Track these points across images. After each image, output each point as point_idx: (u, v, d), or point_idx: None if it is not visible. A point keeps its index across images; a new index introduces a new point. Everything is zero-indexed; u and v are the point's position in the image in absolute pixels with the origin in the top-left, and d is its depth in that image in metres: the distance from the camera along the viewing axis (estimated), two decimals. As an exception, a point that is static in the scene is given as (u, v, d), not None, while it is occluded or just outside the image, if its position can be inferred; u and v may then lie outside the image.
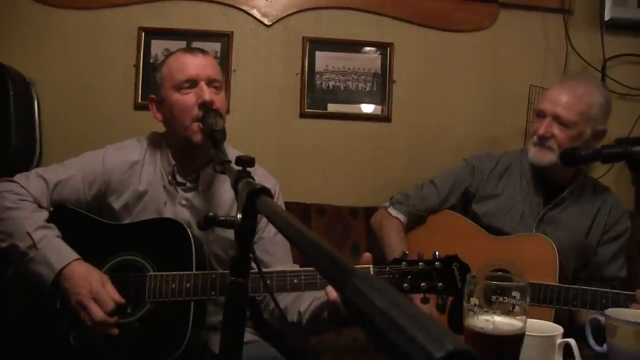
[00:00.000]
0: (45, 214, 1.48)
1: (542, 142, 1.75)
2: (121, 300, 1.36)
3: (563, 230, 1.78)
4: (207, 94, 1.48)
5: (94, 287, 1.34)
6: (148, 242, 1.45)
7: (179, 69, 1.52)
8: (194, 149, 1.52)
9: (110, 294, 1.35)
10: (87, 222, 1.52)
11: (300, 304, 1.46)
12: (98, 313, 1.32)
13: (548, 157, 1.74)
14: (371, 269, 1.33)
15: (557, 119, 1.72)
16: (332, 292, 1.29)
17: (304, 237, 0.53)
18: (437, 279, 1.31)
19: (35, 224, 1.41)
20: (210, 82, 1.51)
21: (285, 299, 1.49)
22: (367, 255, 1.34)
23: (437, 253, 1.34)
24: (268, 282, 1.34)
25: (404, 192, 1.96)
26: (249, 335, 1.60)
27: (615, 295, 1.49)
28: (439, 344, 0.30)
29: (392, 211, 1.92)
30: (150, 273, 1.39)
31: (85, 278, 1.35)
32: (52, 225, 1.45)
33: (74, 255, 1.39)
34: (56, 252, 1.38)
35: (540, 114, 1.77)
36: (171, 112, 1.52)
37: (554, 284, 1.58)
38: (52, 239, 1.40)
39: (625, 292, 1.50)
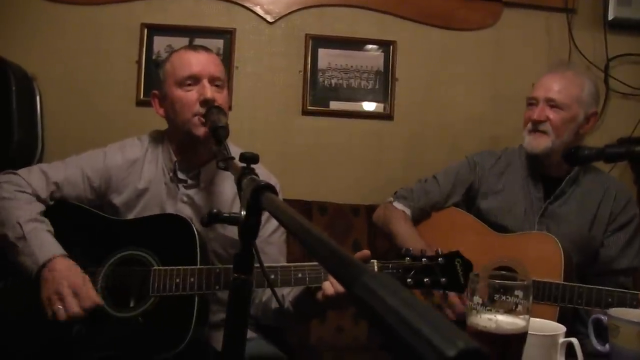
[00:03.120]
0: (40, 207, 1.49)
1: (536, 126, 1.76)
2: (100, 302, 1.36)
3: (565, 223, 1.77)
4: (209, 91, 1.48)
5: (74, 281, 1.34)
6: (153, 237, 1.45)
7: (182, 66, 1.52)
8: (196, 144, 1.53)
9: (90, 292, 1.35)
10: (91, 218, 1.52)
11: (283, 288, 1.46)
12: (75, 307, 1.32)
13: (543, 142, 1.75)
14: (375, 264, 1.33)
15: (550, 102, 1.75)
16: (329, 288, 1.29)
17: (311, 234, 0.53)
18: (440, 275, 1.32)
19: (28, 215, 1.42)
20: (212, 80, 1.51)
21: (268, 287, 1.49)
22: (366, 252, 1.33)
23: (439, 250, 1.36)
24: (272, 276, 1.34)
25: (407, 187, 1.96)
26: (248, 332, 1.60)
27: (621, 294, 1.49)
28: (451, 343, 0.30)
29: (397, 204, 1.91)
30: (154, 267, 1.40)
31: (67, 271, 1.35)
32: (44, 218, 1.46)
33: (60, 250, 1.39)
34: (42, 246, 1.38)
35: (532, 102, 1.80)
36: (173, 108, 1.53)
37: (559, 282, 1.58)
38: (40, 232, 1.41)
39: (632, 291, 1.49)
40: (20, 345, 1.42)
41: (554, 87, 1.76)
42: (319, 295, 1.32)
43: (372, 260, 1.34)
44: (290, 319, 1.54)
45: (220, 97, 1.51)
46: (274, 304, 1.49)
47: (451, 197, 1.91)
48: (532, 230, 1.77)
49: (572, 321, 1.62)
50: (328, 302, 1.30)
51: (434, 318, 0.32)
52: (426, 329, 0.31)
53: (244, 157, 0.95)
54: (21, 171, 1.54)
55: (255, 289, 1.55)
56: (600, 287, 1.52)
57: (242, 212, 0.79)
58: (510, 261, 1.68)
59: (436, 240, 1.79)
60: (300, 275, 1.35)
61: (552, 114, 1.74)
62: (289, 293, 1.47)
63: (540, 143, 1.75)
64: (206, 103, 1.47)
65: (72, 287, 1.33)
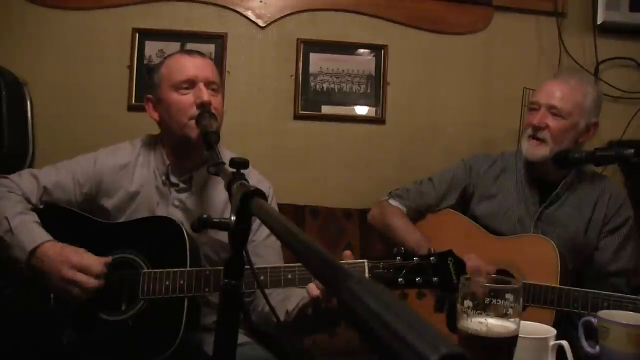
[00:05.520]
0: (29, 207, 1.50)
1: (536, 133, 1.75)
2: (105, 259, 1.38)
3: (561, 227, 1.77)
4: (206, 94, 1.49)
5: (73, 259, 1.35)
6: (142, 240, 1.45)
7: (178, 70, 1.53)
8: (190, 147, 1.53)
9: (93, 258, 1.37)
10: (82, 221, 1.52)
11: (289, 304, 1.46)
12: (89, 281, 1.34)
13: (542, 151, 1.74)
14: (366, 264, 1.33)
15: (551, 109, 1.73)
16: (313, 290, 1.28)
17: (298, 239, 0.53)
18: (432, 274, 1.31)
19: (15, 210, 1.44)
20: (208, 83, 1.52)
21: (273, 300, 1.49)
22: (347, 252, 1.34)
23: (432, 248, 1.35)
24: (262, 277, 1.34)
25: (403, 187, 1.96)
26: (241, 337, 1.59)
27: (617, 298, 1.49)
28: (433, 347, 0.30)
29: (393, 202, 1.92)
30: (144, 270, 1.40)
31: (60, 254, 1.37)
32: (31, 212, 1.48)
33: (47, 237, 1.41)
34: (29, 234, 1.40)
35: (534, 107, 1.78)
36: (168, 112, 1.53)
37: (556, 285, 1.58)
38: (27, 224, 1.43)
39: (628, 296, 1.49)
40: (12, 352, 1.41)
41: (557, 93, 1.74)
42: (313, 303, 1.32)
43: (363, 260, 1.34)
44: (294, 332, 1.54)
45: (215, 101, 1.52)
46: (280, 317, 1.48)
47: (445, 200, 1.91)
48: (529, 233, 1.78)
49: (568, 325, 1.62)
50: (317, 306, 1.30)
51: (418, 323, 0.32)
52: (409, 334, 0.31)
53: (233, 162, 0.96)
54: (12, 176, 1.55)
55: (256, 299, 1.56)
56: (596, 291, 1.52)
57: (232, 218, 0.79)
58: (507, 265, 1.69)
59: (434, 243, 1.79)
60: (289, 276, 1.35)
61: (552, 122, 1.73)
62: (293, 309, 1.45)
63: (539, 151, 1.74)
64: (203, 106, 1.47)
65: (74, 267, 1.35)
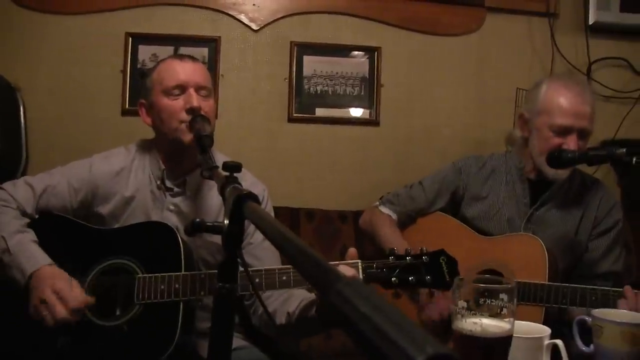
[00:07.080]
0: (26, 221, 1.49)
1: None
2: (89, 299, 1.36)
3: (551, 229, 1.77)
4: (195, 100, 1.49)
5: (58, 285, 1.34)
6: (137, 245, 1.45)
7: (169, 75, 1.53)
8: (184, 151, 1.53)
9: (78, 293, 1.35)
10: (75, 228, 1.52)
11: (289, 305, 1.46)
12: (60, 310, 1.32)
13: (567, 171, 1.73)
14: (359, 264, 1.33)
15: (583, 131, 1.69)
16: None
17: (289, 242, 0.53)
18: (425, 273, 1.32)
19: (12, 228, 1.43)
20: (198, 88, 1.53)
21: (274, 302, 1.49)
22: (352, 250, 1.35)
23: (424, 248, 1.36)
24: (257, 280, 1.34)
25: (394, 192, 1.96)
26: (238, 341, 1.59)
27: (604, 292, 1.50)
28: (420, 348, 0.30)
29: (383, 209, 1.92)
30: (139, 275, 1.40)
31: (51, 278, 1.35)
32: (28, 229, 1.47)
33: (46, 260, 1.40)
34: (28, 257, 1.39)
35: (565, 131, 1.68)
36: (160, 117, 1.54)
37: (544, 282, 1.59)
38: (26, 244, 1.41)
39: (614, 288, 1.51)
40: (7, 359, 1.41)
41: (585, 113, 1.68)
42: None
43: (356, 260, 1.34)
44: (294, 333, 1.54)
45: (206, 106, 1.52)
46: (280, 319, 1.48)
47: (436, 203, 1.92)
48: (517, 233, 1.78)
49: (558, 323, 1.63)
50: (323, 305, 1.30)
51: (406, 324, 0.32)
52: (396, 335, 0.31)
53: (226, 166, 0.96)
54: (6, 185, 1.54)
55: (256, 302, 1.56)
56: (584, 286, 1.54)
57: (225, 221, 0.79)
58: (496, 264, 1.69)
59: (423, 245, 1.79)
60: (284, 277, 1.36)
61: (581, 143, 1.69)
62: (294, 311, 1.45)
63: (566, 172, 1.73)
64: (192, 111, 1.48)
65: (55, 291, 1.33)
